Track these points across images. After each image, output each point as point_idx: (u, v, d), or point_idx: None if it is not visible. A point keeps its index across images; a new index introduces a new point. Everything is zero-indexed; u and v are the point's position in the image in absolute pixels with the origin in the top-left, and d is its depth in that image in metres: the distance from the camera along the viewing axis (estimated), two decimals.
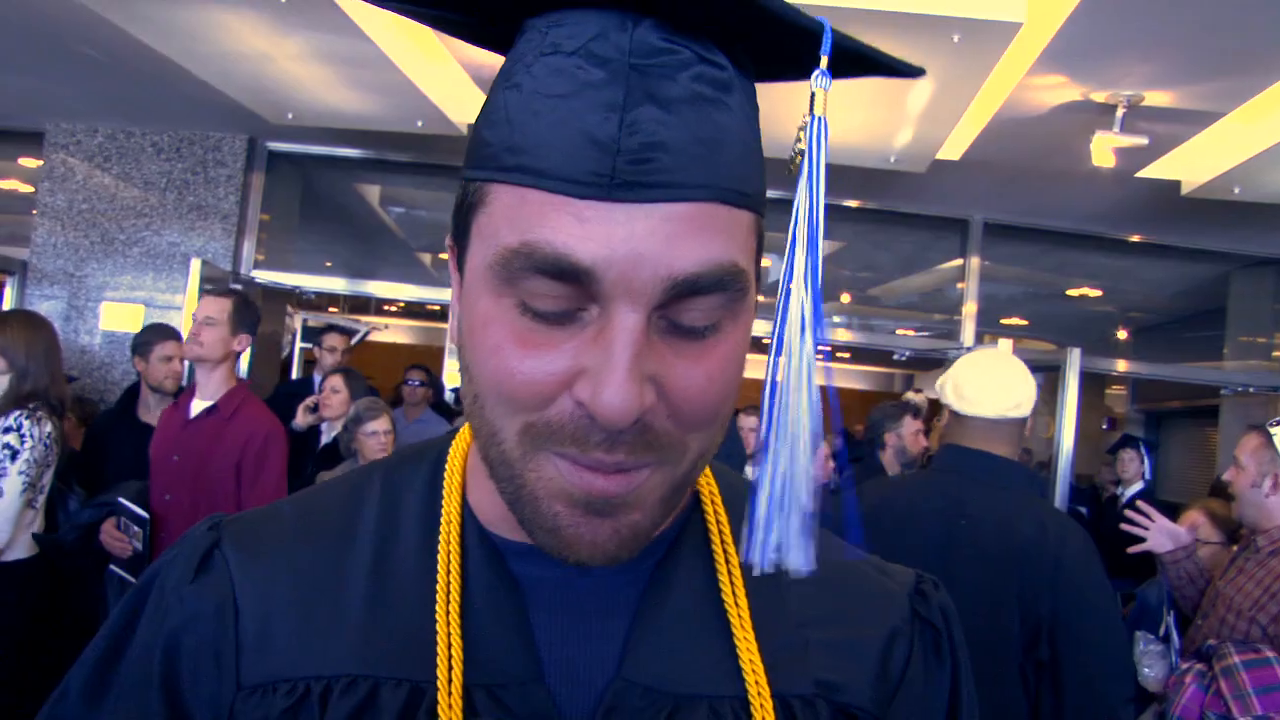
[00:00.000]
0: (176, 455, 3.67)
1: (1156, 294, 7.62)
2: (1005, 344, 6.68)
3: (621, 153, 0.61)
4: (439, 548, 0.78)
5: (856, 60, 0.69)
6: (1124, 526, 3.36)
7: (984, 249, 6.74)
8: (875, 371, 17.81)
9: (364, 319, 12.11)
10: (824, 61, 0.64)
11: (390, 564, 0.79)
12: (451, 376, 10.40)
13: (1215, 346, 7.39)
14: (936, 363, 6.98)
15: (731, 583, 0.79)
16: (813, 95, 0.65)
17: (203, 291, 3.71)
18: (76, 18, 4.20)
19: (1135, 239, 6.83)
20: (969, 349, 6.28)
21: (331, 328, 6.53)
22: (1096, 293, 7.50)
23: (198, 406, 3.72)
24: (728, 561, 0.81)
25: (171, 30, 4.09)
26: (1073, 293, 7.53)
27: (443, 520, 0.80)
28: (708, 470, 0.86)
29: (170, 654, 0.77)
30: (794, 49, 0.66)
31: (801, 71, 0.67)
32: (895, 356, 6.79)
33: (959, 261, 6.81)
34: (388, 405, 4.77)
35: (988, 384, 2.57)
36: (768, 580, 0.77)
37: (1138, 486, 6.24)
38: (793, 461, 0.64)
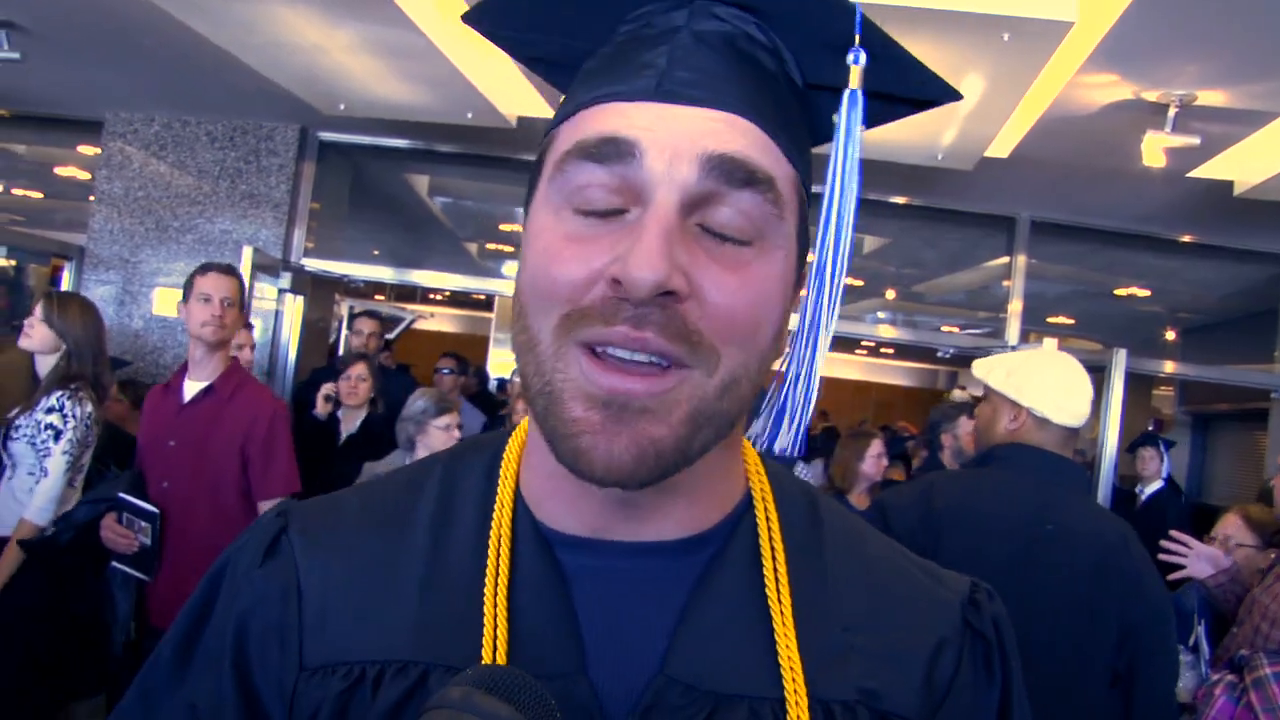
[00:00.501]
0: (172, 440, 3.48)
1: (1206, 295, 7.52)
2: (1050, 343, 6.63)
3: (666, 73, 0.71)
4: (490, 536, 0.80)
5: (891, 70, 0.75)
6: (1162, 557, 3.27)
7: (1031, 247, 6.69)
8: (919, 368, 17.71)
9: (410, 307, 12.22)
10: (857, 39, 0.72)
11: (445, 551, 0.81)
12: (496, 366, 10.45)
13: (1265, 349, 7.28)
14: None
15: (777, 584, 0.79)
16: (848, 70, 0.73)
17: (206, 270, 3.52)
18: (136, 11, 4.28)
19: (1185, 239, 6.75)
20: (1014, 347, 6.25)
21: (366, 313, 6.48)
22: (1145, 292, 7.41)
23: (192, 388, 3.51)
24: (775, 562, 0.81)
25: (226, 22, 4.17)
26: (1120, 292, 7.45)
27: (495, 509, 0.82)
28: (760, 468, 0.87)
29: (240, 634, 0.81)
30: (830, 30, 0.73)
31: (840, 67, 0.74)
32: (939, 354, 6.76)
33: (1005, 259, 6.76)
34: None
35: (1076, 392, 2.55)
36: (814, 582, 0.81)
37: (1157, 485, 6.23)
38: (808, 376, 0.76)
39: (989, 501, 2.46)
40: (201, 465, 3.46)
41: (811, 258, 0.75)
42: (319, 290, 6.88)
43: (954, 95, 0.78)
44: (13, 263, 7.53)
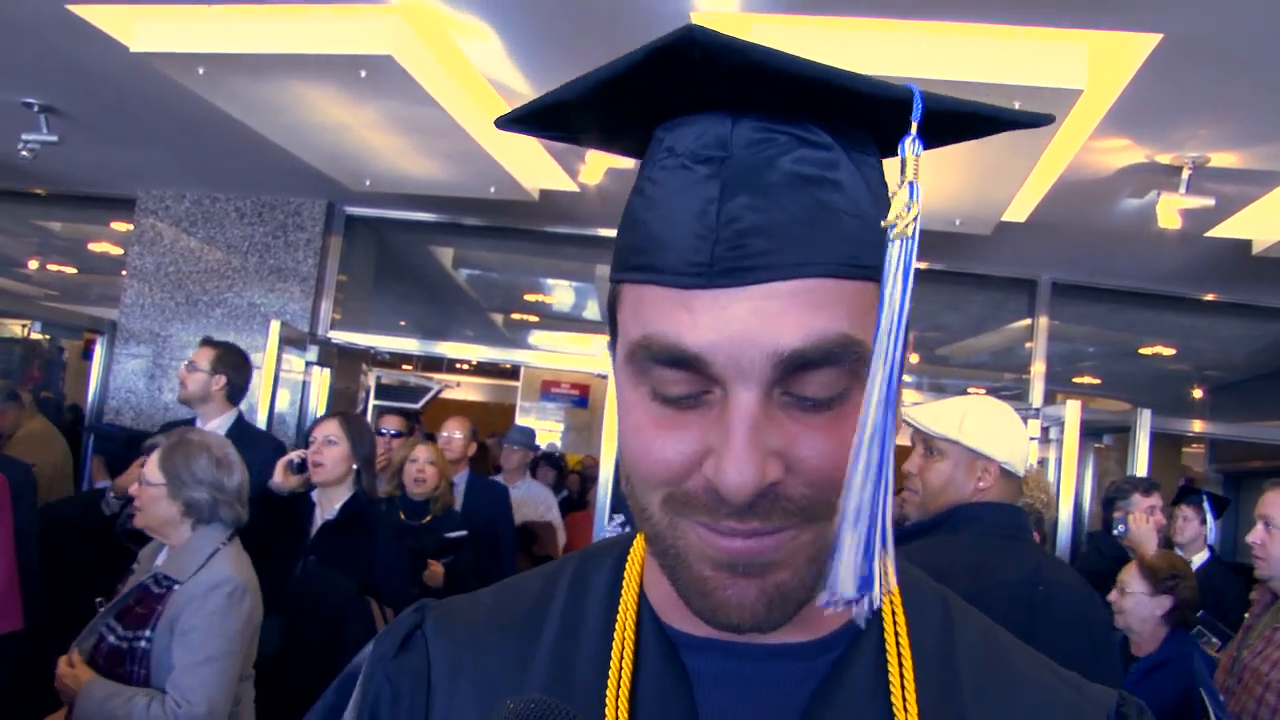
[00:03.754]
0: None
1: (1232, 352, 7.48)
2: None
3: (720, 241, 0.65)
4: (614, 636, 0.81)
5: (962, 120, 0.71)
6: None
7: (1052, 308, 6.70)
8: None
9: (436, 377, 12.30)
10: (914, 128, 0.66)
11: (571, 649, 0.83)
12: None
13: None
14: None
15: (904, 692, 0.77)
16: (903, 161, 0.66)
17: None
18: (167, 94, 4.41)
19: (1208, 298, 6.74)
20: (1037, 409, 6.23)
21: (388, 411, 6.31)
22: (1170, 351, 7.38)
23: None
24: (901, 668, 0.79)
25: (255, 103, 4.28)
26: (1145, 351, 7.42)
27: (620, 609, 0.83)
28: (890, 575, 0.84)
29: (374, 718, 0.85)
30: (895, 118, 0.66)
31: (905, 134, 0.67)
32: None
33: (1027, 321, 6.77)
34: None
35: (1024, 438, 2.43)
36: (943, 691, 0.79)
37: (1201, 557, 4.81)
38: (876, 501, 0.63)
39: (992, 572, 2.27)
40: None
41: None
42: (345, 362, 6.96)
43: (1045, 119, 0.75)
44: (47, 337, 7.67)
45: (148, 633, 2.75)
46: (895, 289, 0.63)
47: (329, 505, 3.92)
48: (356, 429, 4.01)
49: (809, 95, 0.66)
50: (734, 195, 0.66)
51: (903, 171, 0.65)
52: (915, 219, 0.64)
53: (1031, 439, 6.05)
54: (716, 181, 0.67)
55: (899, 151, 0.66)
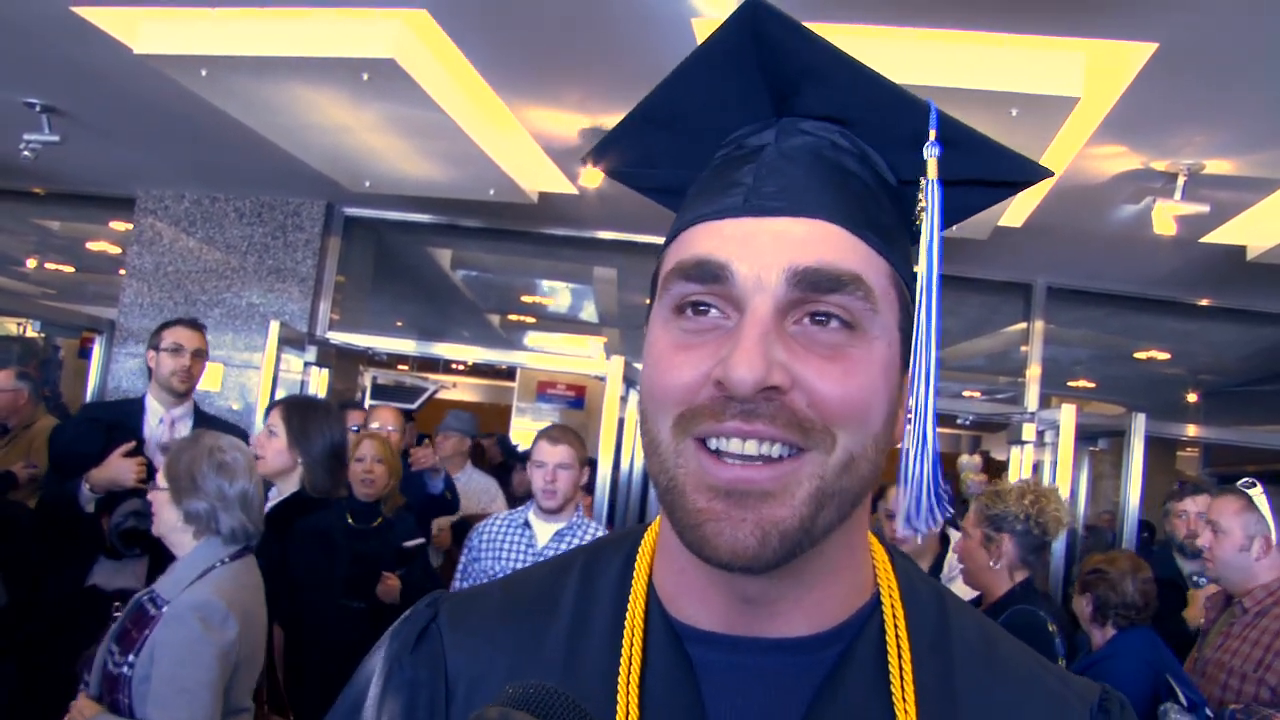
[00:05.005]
0: None
1: (1226, 356, 7.52)
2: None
3: (754, 190, 0.77)
4: (624, 628, 0.84)
5: (975, 158, 0.82)
6: None
7: (1048, 313, 6.72)
8: (941, 433, 17.62)
9: (432, 377, 12.31)
10: (932, 134, 0.78)
11: (582, 641, 0.86)
12: (518, 435, 10.46)
13: None
14: (1001, 426, 6.94)
15: (903, 685, 0.80)
16: (926, 162, 0.79)
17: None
18: (168, 95, 4.42)
19: (1203, 303, 6.77)
20: (1033, 413, 6.25)
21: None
22: (1165, 355, 7.42)
23: None
24: (900, 662, 0.82)
25: (255, 104, 4.30)
26: (1140, 355, 7.46)
27: (629, 601, 0.86)
28: (889, 565, 0.89)
29: (393, 714, 0.87)
30: (911, 128, 0.79)
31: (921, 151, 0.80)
32: (958, 420, 6.77)
33: (1023, 325, 6.80)
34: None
35: None
36: (940, 684, 0.83)
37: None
38: (923, 460, 0.79)
39: None
40: None
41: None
42: (343, 362, 6.97)
43: (1044, 173, 0.85)
44: (43, 336, 7.68)
45: (131, 658, 2.50)
46: (931, 254, 0.80)
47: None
48: (302, 420, 3.58)
49: (836, 94, 0.79)
50: (771, 160, 0.79)
51: (926, 173, 0.79)
52: (930, 208, 0.79)
53: (1026, 443, 6.08)
54: (758, 155, 0.80)
55: (924, 154, 0.79)
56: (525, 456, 5.31)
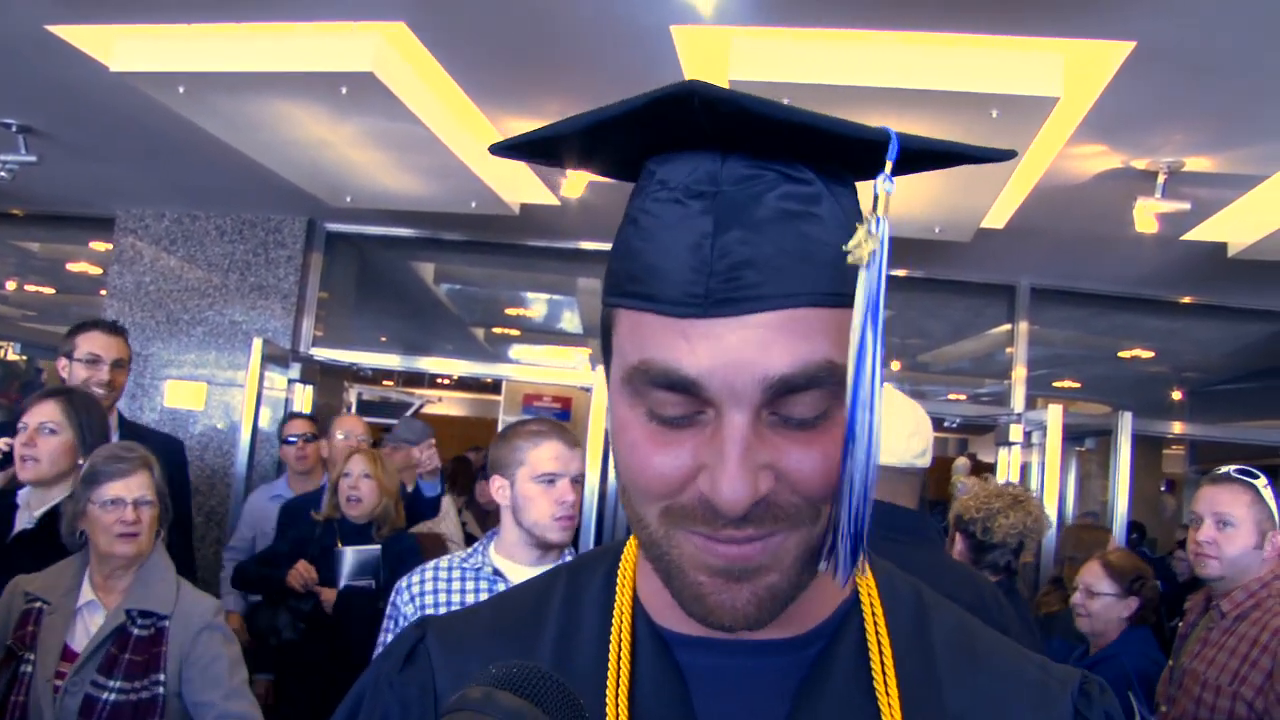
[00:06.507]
0: None
1: (1210, 354, 7.55)
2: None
3: (714, 274, 0.70)
4: (611, 638, 0.85)
5: (932, 155, 0.77)
6: None
7: (1032, 313, 6.74)
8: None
9: (417, 392, 12.28)
10: (889, 166, 0.69)
11: (570, 652, 0.87)
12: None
13: (1273, 406, 7.29)
14: (989, 428, 6.97)
15: (885, 678, 0.82)
16: (876, 196, 0.69)
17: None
18: (146, 112, 4.40)
19: (1186, 300, 6.80)
20: (1020, 414, 6.26)
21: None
22: (1149, 354, 7.43)
23: None
24: (882, 656, 0.84)
25: (235, 120, 4.28)
26: (1125, 354, 7.47)
27: (615, 612, 0.87)
28: (865, 564, 0.86)
29: None
30: (871, 154, 0.71)
31: (880, 169, 0.71)
32: (945, 423, 6.77)
33: (1007, 326, 6.81)
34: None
35: (893, 427, 2.27)
36: (922, 677, 0.84)
37: None
38: (863, 499, 0.70)
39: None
40: None
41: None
42: (328, 379, 6.94)
43: (1005, 154, 0.80)
44: (24, 358, 7.63)
45: (160, 676, 2.52)
46: (862, 317, 0.67)
47: (36, 508, 2.97)
48: (89, 413, 3.09)
49: (793, 136, 0.71)
50: (726, 230, 0.71)
51: (874, 207, 0.69)
52: (878, 247, 0.67)
53: (1014, 444, 6.09)
54: (709, 217, 0.71)
55: (874, 189, 0.70)
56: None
